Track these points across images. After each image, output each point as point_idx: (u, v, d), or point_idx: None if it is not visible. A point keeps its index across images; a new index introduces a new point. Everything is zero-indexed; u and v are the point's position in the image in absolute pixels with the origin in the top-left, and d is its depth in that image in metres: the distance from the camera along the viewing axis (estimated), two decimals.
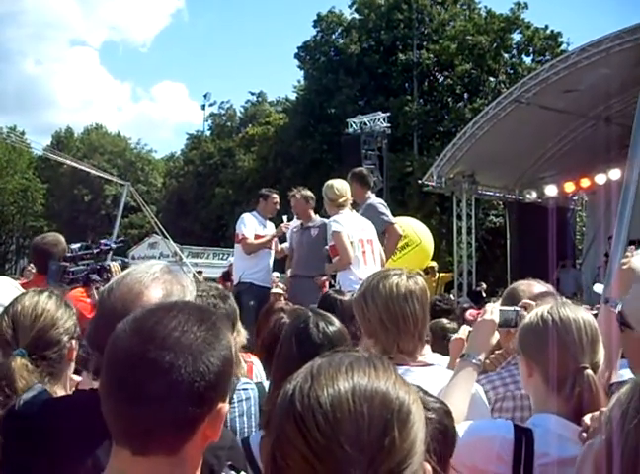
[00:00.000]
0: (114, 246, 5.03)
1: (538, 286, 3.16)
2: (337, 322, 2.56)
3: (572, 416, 2.16)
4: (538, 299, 2.87)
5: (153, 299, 1.85)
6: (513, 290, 3.17)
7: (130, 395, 1.32)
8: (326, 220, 6.95)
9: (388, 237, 7.20)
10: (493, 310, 2.70)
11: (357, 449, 1.06)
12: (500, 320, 2.68)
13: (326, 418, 1.08)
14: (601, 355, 2.29)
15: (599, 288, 3.70)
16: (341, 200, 6.57)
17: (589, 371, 2.20)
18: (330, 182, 6.76)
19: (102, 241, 5.01)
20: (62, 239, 4.92)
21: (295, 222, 7.94)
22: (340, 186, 6.65)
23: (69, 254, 4.66)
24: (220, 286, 3.20)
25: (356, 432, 1.07)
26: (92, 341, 1.87)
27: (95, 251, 4.78)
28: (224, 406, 1.41)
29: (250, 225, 7.97)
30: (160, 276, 1.94)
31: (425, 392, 1.98)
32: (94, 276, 4.57)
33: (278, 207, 8.25)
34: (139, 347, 1.34)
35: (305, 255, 7.41)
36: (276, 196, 8.23)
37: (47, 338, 2.29)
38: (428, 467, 1.19)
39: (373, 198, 7.54)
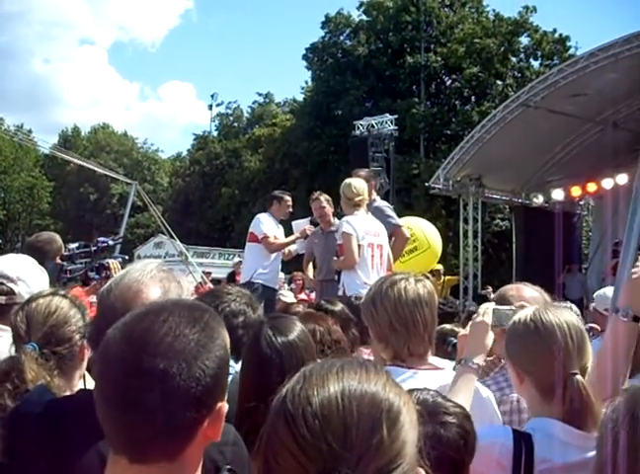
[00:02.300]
0: (112, 243, 4.98)
1: (528, 290, 3.09)
2: (295, 332, 2.39)
3: (567, 420, 2.17)
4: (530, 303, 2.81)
5: (152, 297, 1.90)
6: (502, 295, 3.10)
7: (125, 404, 1.28)
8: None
9: (395, 240, 7.18)
10: (486, 311, 2.68)
11: (344, 447, 1.07)
12: (494, 319, 2.66)
13: (315, 416, 1.09)
14: (590, 355, 2.29)
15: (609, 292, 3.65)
16: (357, 199, 6.50)
17: (578, 377, 2.20)
18: (348, 180, 6.71)
19: (100, 239, 4.95)
20: (58, 237, 4.79)
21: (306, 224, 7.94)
22: (358, 185, 6.59)
23: (66, 253, 4.61)
24: (250, 294, 3.13)
25: (344, 430, 1.08)
26: (94, 341, 1.87)
27: (93, 249, 4.73)
28: (223, 405, 1.38)
29: (268, 225, 7.93)
30: (157, 273, 2.00)
31: (444, 397, 1.96)
32: (93, 275, 4.54)
33: (291, 210, 8.24)
34: (131, 355, 1.30)
35: (331, 260, 7.06)
36: (289, 198, 8.22)
37: (59, 334, 2.35)
38: (422, 472, 1.18)
39: (379, 201, 7.53)
